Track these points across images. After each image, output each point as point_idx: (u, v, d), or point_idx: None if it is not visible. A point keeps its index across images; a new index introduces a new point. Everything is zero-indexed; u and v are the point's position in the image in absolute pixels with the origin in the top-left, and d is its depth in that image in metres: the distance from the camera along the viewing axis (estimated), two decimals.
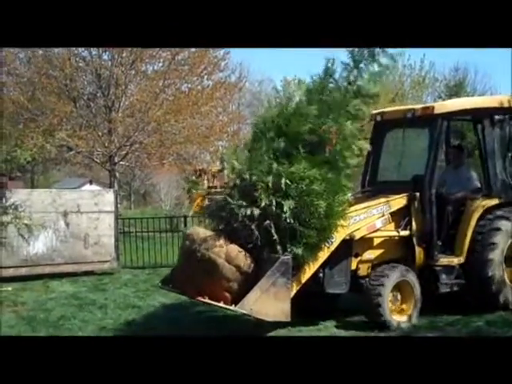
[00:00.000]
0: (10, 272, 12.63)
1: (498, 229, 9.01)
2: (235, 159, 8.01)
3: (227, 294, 7.48)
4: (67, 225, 13.40)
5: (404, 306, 8.50)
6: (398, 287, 8.42)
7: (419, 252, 8.85)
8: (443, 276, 8.94)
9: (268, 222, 7.54)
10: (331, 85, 8.59)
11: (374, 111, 9.74)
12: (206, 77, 23.64)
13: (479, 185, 9.59)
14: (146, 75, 23.07)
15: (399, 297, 8.47)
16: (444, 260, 8.96)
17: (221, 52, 23.81)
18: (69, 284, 12.44)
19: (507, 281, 9.08)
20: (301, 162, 7.83)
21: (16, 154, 11.79)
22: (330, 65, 8.54)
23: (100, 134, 22.52)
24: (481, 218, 9.12)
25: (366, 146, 8.41)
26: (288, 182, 7.60)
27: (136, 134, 22.43)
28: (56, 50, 21.03)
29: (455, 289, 9.04)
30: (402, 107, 9.50)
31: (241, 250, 7.52)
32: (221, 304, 7.38)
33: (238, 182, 7.77)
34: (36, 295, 11.32)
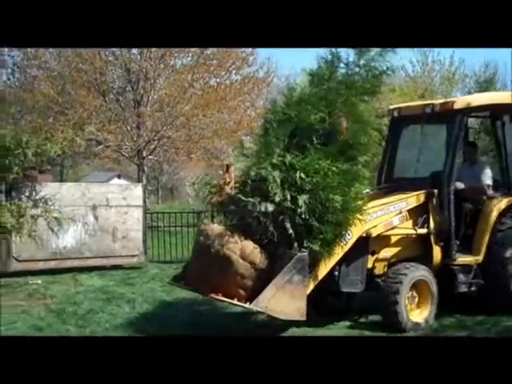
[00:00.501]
0: (40, 265, 12.77)
1: None
2: (243, 154, 7.83)
3: (241, 291, 7.29)
4: (96, 218, 13.52)
5: (421, 306, 8.29)
6: (415, 286, 8.22)
7: (437, 251, 8.64)
8: (461, 275, 8.72)
9: (283, 217, 7.36)
10: (341, 70, 8.43)
11: (391, 106, 9.55)
12: (234, 71, 23.62)
13: (491, 182, 9.35)
14: (174, 69, 22.98)
15: (416, 296, 8.25)
16: (462, 259, 8.75)
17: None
18: (97, 278, 12.47)
19: None
20: (314, 153, 7.64)
21: (46, 148, 11.84)
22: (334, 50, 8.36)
23: (129, 128, 22.63)
24: (500, 216, 8.90)
25: (381, 123, 8.14)
26: (302, 175, 7.41)
27: (164, 128, 22.44)
28: None
29: (473, 289, 8.82)
30: (421, 102, 9.31)
31: (256, 246, 7.34)
32: (235, 301, 7.19)
33: (249, 177, 7.57)
34: (65, 288, 11.43)
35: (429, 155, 9.50)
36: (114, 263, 13.70)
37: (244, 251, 7.28)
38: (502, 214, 8.93)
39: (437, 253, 8.64)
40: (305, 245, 7.35)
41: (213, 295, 7.36)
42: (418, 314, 8.20)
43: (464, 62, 32.98)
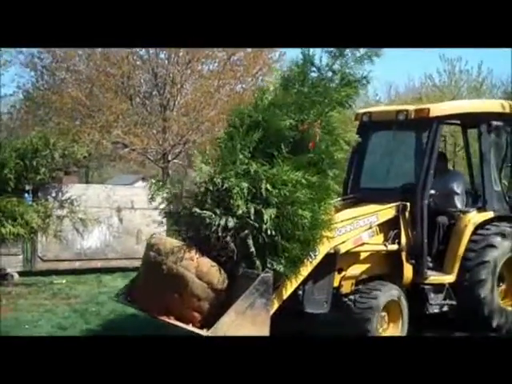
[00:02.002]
0: (65, 265, 13.15)
1: (492, 246, 8.23)
2: (204, 161, 7.02)
3: (196, 315, 6.54)
4: (120, 220, 13.84)
5: (390, 328, 7.65)
6: (386, 307, 7.56)
7: (407, 268, 8.00)
8: (432, 295, 8.13)
9: (245, 232, 6.59)
10: (313, 74, 7.71)
11: (361, 110, 8.86)
12: (260, 78, 23.46)
13: (461, 192, 8.77)
14: (201, 75, 23.40)
15: (386, 318, 7.60)
16: (433, 278, 8.15)
17: (276, 53, 23.83)
18: (120, 279, 12.21)
19: (500, 302, 8.32)
20: (283, 163, 6.91)
21: (73, 150, 12.19)
22: (307, 51, 7.62)
23: (155, 131, 22.99)
24: (474, 232, 8.33)
25: (355, 137, 7.47)
26: (269, 186, 6.65)
27: (190, 132, 22.74)
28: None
29: (445, 309, 8.24)
30: (394, 107, 8.65)
31: (213, 264, 6.57)
32: (189, 327, 6.41)
33: (209, 187, 6.77)
34: (89, 289, 11.69)
35: (400, 165, 8.86)
36: (137, 265, 13.23)
37: (200, 270, 6.50)
38: (477, 230, 8.35)
39: (407, 271, 8.01)
40: (268, 264, 6.60)
41: (164, 318, 6.57)
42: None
43: (492, 72, 32.98)
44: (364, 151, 8.88)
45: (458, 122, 8.52)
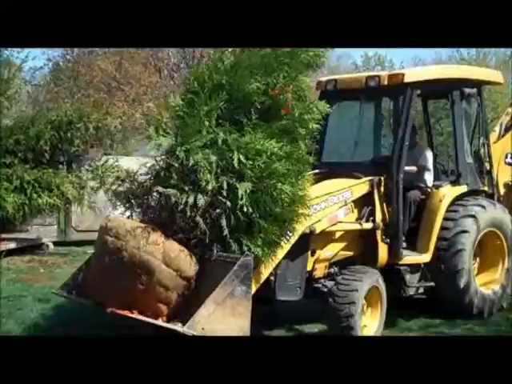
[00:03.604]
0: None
1: (472, 216, 7.69)
2: (161, 132, 6.11)
3: (164, 307, 5.69)
4: None
5: (369, 316, 6.96)
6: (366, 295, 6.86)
7: (382, 248, 7.34)
8: (408, 277, 7.51)
9: (218, 211, 5.75)
10: None
11: (323, 78, 8.12)
12: None
13: (430, 166, 8.20)
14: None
15: (365, 305, 6.90)
16: (409, 258, 7.52)
17: None
18: None
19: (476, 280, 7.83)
20: (253, 130, 6.10)
21: (107, 122, 12.55)
22: None
23: None
24: (448, 209, 7.76)
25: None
26: (242, 157, 5.84)
27: None
28: None
29: (420, 291, 7.65)
30: (362, 74, 7.95)
31: (182, 248, 5.71)
32: (159, 322, 5.53)
33: (172, 161, 5.88)
34: None
35: (368, 137, 8.18)
36: None
37: (167, 255, 5.63)
38: (450, 206, 7.78)
39: (382, 251, 7.33)
40: (244, 247, 5.79)
41: (125, 312, 5.66)
42: (367, 326, 6.85)
43: None
44: (326, 122, 8.11)
45: (432, 88, 7.87)
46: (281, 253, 6.23)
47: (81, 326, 6.68)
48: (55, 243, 12.58)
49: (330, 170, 7.71)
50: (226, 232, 5.71)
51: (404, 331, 7.33)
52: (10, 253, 11.22)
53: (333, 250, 7.11)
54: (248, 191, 5.74)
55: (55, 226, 13.49)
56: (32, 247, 12.22)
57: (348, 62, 38.52)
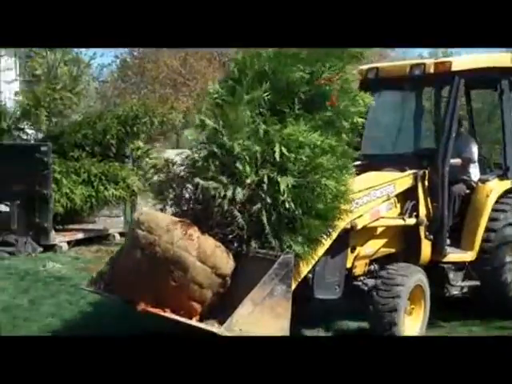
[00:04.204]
0: None
1: None
2: (202, 121, 5.78)
3: (197, 306, 5.36)
4: None
5: (413, 316, 6.61)
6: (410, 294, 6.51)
7: (425, 245, 6.98)
8: (452, 276, 7.14)
9: (258, 206, 5.41)
10: None
11: (364, 66, 7.72)
12: None
13: (475, 158, 7.79)
14: None
15: (408, 305, 6.55)
16: (453, 256, 7.15)
17: None
18: None
19: None
20: (296, 122, 5.75)
21: (172, 116, 12.96)
22: None
23: None
24: (495, 205, 7.36)
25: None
26: (284, 150, 5.48)
27: None
28: None
29: (465, 291, 7.28)
30: (406, 62, 7.54)
31: (218, 244, 5.38)
32: (193, 322, 5.22)
33: (214, 149, 5.55)
34: None
35: (411, 128, 7.76)
36: None
37: (203, 251, 5.29)
38: (498, 202, 7.38)
39: (426, 248, 6.99)
40: (285, 244, 5.45)
41: (156, 311, 5.35)
42: (410, 326, 6.50)
43: None
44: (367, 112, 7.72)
45: (480, 77, 7.43)
46: (321, 250, 5.90)
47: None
48: (121, 234, 12.66)
49: (370, 163, 7.33)
50: (266, 228, 5.36)
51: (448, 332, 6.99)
52: (78, 243, 11.46)
53: (374, 247, 6.77)
54: (290, 186, 5.40)
55: (121, 218, 13.72)
56: (99, 238, 12.43)
57: (415, 54, 37.90)
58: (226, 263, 5.37)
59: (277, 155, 5.45)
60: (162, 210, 5.84)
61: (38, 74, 18.44)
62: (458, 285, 7.19)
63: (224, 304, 5.39)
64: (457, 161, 7.27)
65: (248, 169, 5.42)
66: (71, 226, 12.30)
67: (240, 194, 5.34)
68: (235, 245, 5.47)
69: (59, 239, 11.25)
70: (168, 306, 5.32)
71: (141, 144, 12.67)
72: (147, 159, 11.47)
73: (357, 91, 6.26)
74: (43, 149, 10.99)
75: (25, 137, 13.24)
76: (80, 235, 11.87)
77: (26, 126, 13.15)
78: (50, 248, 10.73)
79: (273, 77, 5.87)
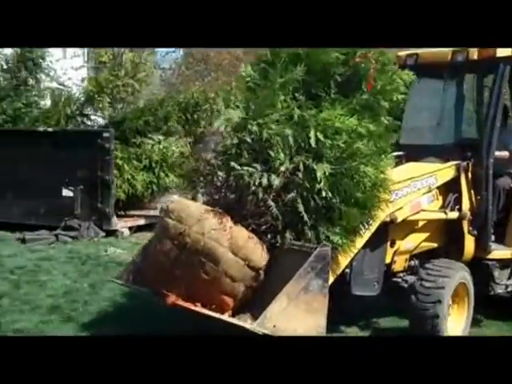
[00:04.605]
0: None
1: None
2: (231, 105, 5.52)
3: (229, 300, 5.07)
4: None
5: (456, 315, 6.26)
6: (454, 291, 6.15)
7: (469, 241, 6.62)
8: (497, 273, 6.76)
9: (293, 195, 5.12)
10: None
11: (403, 52, 7.38)
12: None
13: None
14: None
15: (450, 303, 6.19)
16: (498, 253, 6.78)
17: None
18: None
19: None
20: (332, 106, 5.45)
21: None
22: None
23: None
24: None
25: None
26: (320, 135, 5.19)
27: None
28: None
29: (510, 289, 6.90)
30: (447, 49, 7.19)
31: (251, 235, 5.10)
32: (225, 317, 4.94)
33: (244, 136, 5.27)
34: None
35: (449, 116, 7.40)
36: None
37: (235, 242, 5.02)
38: None
39: (469, 243, 6.63)
40: (321, 235, 5.15)
41: (186, 305, 5.09)
42: (453, 326, 6.14)
43: None
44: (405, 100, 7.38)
45: None
46: (360, 242, 5.60)
47: None
48: None
49: (409, 153, 6.99)
50: (304, 217, 5.06)
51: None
52: (139, 229, 11.41)
53: (414, 241, 6.43)
54: (327, 173, 5.10)
55: None
56: None
57: None
58: (260, 255, 5.08)
59: (312, 141, 5.16)
60: (193, 198, 5.57)
61: (104, 61, 18.67)
62: (503, 283, 6.80)
63: (257, 299, 5.12)
64: (504, 154, 6.89)
65: (282, 156, 5.14)
66: (132, 212, 12.29)
67: (276, 180, 5.06)
68: (269, 236, 5.18)
69: (121, 225, 11.31)
70: (199, 300, 5.07)
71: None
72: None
73: (394, 69, 5.93)
74: (105, 135, 11.04)
75: (89, 123, 13.48)
76: (141, 221, 11.83)
77: (89, 112, 13.38)
78: (111, 233, 10.85)
79: (307, 59, 5.59)
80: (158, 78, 20.96)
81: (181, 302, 5.11)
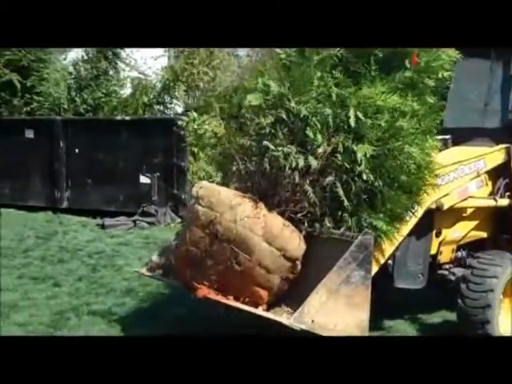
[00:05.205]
0: None
1: None
2: (265, 82, 5.15)
3: (263, 293, 4.72)
4: None
5: (506, 312, 5.79)
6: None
7: None
8: None
9: (332, 178, 4.73)
10: None
11: None
12: None
13: None
14: None
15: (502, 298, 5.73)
16: None
17: None
18: None
19: None
20: (373, 84, 5.05)
21: None
22: None
23: None
24: None
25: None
26: (360, 115, 4.79)
27: None
28: None
29: None
30: None
31: (287, 223, 4.73)
32: (259, 311, 4.58)
33: (282, 114, 4.89)
34: None
35: (496, 99, 6.93)
36: None
37: (269, 231, 4.66)
38: None
39: None
40: (363, 222, 4.75)
41: (217, 298, 4.75)
42: (505, 324, 5.67)
43: None
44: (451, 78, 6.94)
45: None
46: (405, 229, 5.21)
47: None
48: None
49: (455, 137, 6.56)
50: (344, 203, 4.67)
51: None
52: None
53: (461, 231, 6.00)
54: (368, 155, 4.70)
55: None
56: None
57: None
58: (296, 245, 4.72)
59: (352, 121, 4.77)
60: (224, 184, 5.21)
61: (182, 50, 19.05)
62: None
63: (293, 292, 4.77)
64: None
65: (319, 136, 4.76)
66: None
67: (313, 163, 4.67)
68: (306, 224, 4.82)
69: None
70: (231, 293, 4.74)
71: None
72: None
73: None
74: (180, 123, 11.36)
75: (165, 111, 13.98)
76: None
77: (166, 101, 13.77)
78: None
79: None
80: (234, 65, 20.98)
81: (212, 295, 4.80)
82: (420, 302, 6.44)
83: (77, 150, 12.69)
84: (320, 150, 4.75)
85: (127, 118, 12.67)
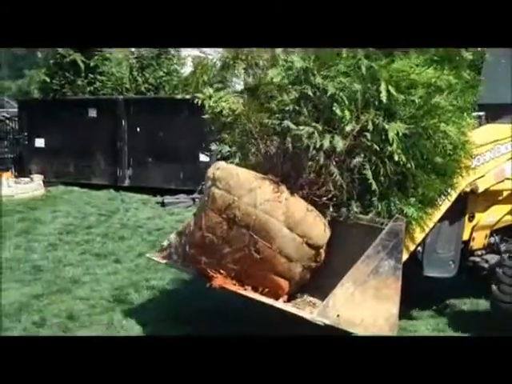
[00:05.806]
0: None
1: None
2: (285, 58, 4.78)
3: (284, 283, 4.39)
4: None
5: None
6: None
7: None
8: None
9: (360, 160, 4.35)
10: None
11: None
12: None
13: None
14: None
15: None
16: None
17: None
18: None
19: None
20: (407, 56, 4.66)
21: None
22: None
23: None
24: None
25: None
26: (392, 89, 4.38)
27: None
28: None
29: None
30: None
31: (311, 207, 4.37)
32: (279, 304, 4.25)
33: (307, 90, 4.50)
34: None
35: None
36: None
37: (291, 216, 4.31)
38: None
39: None
40: (393, 207, 4.38)
41: (234, 288, 4.41)
42: None
43: None
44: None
45: None
46: (437, 215, 4.86)
47: None
48: None
49: (490, 113, 6.15)
50: (373, 186, 4.29)
51: None
52: None
53: (496, 215, 5.60)
54: (400, 134, 4.30)
55: None
56: None
57: None
58: (320, 231, 4.37)
59: (383, 96, 4.36)
60: (242, 165, 4.84)
61: None
62: None
63: (317, 282, 4.43)
64: None
65: (347, 113, 4.36)
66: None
67: (340, 143, 4.28)
68: (331, 209, 4.45)
69: None
70: (250, 283, 4.41)
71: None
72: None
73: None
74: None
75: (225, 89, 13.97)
76: None
77: (225, 79, 13.71)
78: None
79: None
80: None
81: (229, 285, 4.46)
82: (447, 289, 6.07)
83: (138, 129, 13.08)
84: (348, 129, 4.35)
85: (187, 96, 12.51)
